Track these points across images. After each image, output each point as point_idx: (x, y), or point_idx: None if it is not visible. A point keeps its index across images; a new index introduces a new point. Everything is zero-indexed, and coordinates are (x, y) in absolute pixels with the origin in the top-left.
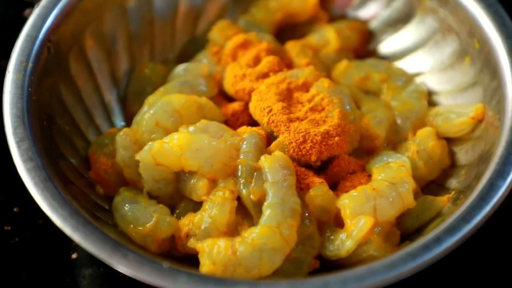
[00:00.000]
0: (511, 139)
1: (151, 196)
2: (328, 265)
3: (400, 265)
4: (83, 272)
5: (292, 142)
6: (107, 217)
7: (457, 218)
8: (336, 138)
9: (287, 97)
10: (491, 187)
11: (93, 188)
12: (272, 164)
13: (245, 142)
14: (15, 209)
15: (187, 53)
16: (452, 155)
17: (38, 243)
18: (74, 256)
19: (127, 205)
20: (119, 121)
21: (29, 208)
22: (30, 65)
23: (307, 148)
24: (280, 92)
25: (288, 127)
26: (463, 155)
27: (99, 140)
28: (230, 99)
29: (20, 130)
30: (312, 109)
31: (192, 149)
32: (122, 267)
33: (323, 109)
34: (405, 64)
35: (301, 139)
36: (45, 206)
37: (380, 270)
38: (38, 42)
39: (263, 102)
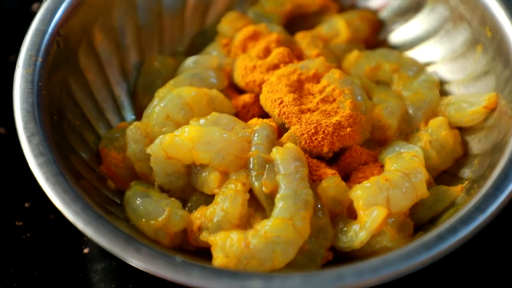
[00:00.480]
0: None
1: (162, 189)
2: (342, 256)
3: (415, 256)
4: (95, 266)
5: (303, 134)
6: (118, 211)
7: (471, 208)
8: (348, 129)
9: (298, 88)
10: (505, 176)
11: (104, 183)
12: (284, 156)
13: (256, 134)
14: (26, 205)
15: (196, 46)
16: (464, 144)
17: (49, 238)
18: (86, 250)
19: (138, 199)
20: (129, 115)
21: (41, 203)
22: (39, 59)
23: (319, 139)
24: (291, 83)
25: (299, 119)
26: (476, 144)
27: (110, 134)
28: (240, 91)
29: (31, 124)
30: (324, 100)
31: (204, 142)
32: (135, 261)
33: (334, 100)
34: (416, 54)
35: (313, 131)
36: (57, 201)
37: (395, 261)
38: (47, 36)
39: (274, 93)
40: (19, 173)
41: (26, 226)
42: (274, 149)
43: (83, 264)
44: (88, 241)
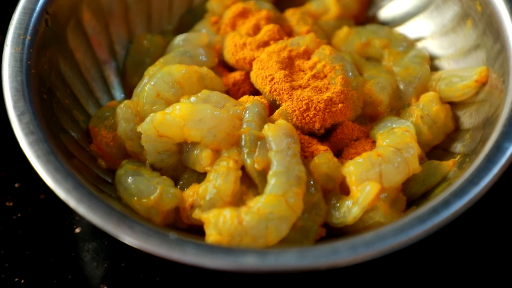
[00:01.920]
0: None
1: (154, 168)
2: (335, 233)
3: (409, 229)
4: (87, 246)
5: (295, 110)
6: (110, 190)
7: (465, 181)
8: (340, 105)
9: (289, 65)
10: (498, 149)
11: (95, 162)
12: (276, 132)
13: (247, 112)
14: (16, 185)
15: (185, 24)
16: (456, 119)
17: (40, 218)
18: (77, 230)
19: (130, 177)
20: (119, 94)
21: (31, 184)
22: (28, 37)
23: (311, 115)
24: (281, 60)
25: (290, 95)
26: (467, 119)
27: (100, 113)
28: (230, 68)
29: (20, 103)
30: (314, 77)
31: (195, 120)
32: (129, 239)
33: (325, 76)
34: (406, 30)
35: (304, 107)
36: (48, 179)
37: (389, 235)
38: (35, 15)
39: (265, 70)
40: (8, 153)
41: (16, 206)
42: (265, 126)
43: (75, 244)
44: (79, 221)
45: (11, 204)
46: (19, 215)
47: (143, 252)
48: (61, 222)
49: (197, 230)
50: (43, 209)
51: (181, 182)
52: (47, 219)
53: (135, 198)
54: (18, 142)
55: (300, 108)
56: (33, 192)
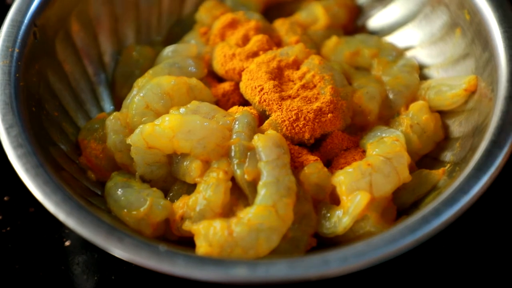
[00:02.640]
0: (506, 109)
1: (143, 180)
2: (325, 243)
3: (399, 239)
4: (77, 259)
5: (285, 121)
6: (100, 202)
7: (454, 189)
8: (329, 115)
9: (278, 75)
10: (487, 157)
11: (85, 174)
12: (266, 143)
13: (237, 122)
14: (5, 198)
15: (174, 35)
16: (445, 128)
17: (30, 232)
18: (67, 243)
19: (120, 189)
20: (108, 106)
21: (20, 197)
22: (16, 50)
23: (300, 126)
24: (270, 70)
25: (280, 106)
26: (457, 127)
27: (89, 125)
28: (220, 79)
29: (9, 116)
30: (304, 87)
31: (184, 131)
32: (119, 251)
33: (314, 86)
34: (395, 39)
35: (294, 117)
36: (37, 192)
37: (379, 245)
38: (23, 27)
39: (254, 81)
40: None
41: (6, 219)
42: (255, 137)
43: (64, 257)
44: (69, 234)
45: (0, 217)
46: (8, 228)
47: (133, 265)
48: (50, 235)
49: (187, 242)
50: (33, 222)
51: (171, 194)
52: (36, 232)
53: (125, 210)
54: (6, 155)
55: (289, 118)
56: (22, 205)
